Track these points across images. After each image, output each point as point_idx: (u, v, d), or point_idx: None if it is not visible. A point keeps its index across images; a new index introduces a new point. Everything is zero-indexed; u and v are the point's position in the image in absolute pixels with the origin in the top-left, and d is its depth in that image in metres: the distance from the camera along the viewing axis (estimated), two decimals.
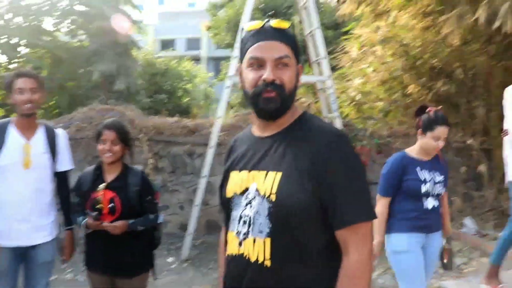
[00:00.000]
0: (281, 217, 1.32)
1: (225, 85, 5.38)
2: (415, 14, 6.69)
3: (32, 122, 2.73)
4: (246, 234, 1.38)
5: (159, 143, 6.14)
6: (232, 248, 1.43)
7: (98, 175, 2.64)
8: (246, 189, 1.40)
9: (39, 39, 11.62)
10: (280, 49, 1.36)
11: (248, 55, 1.38)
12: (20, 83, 2.62)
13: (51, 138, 2.78)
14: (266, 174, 1.36)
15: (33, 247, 2.73)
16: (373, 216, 1.35)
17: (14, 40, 11.64)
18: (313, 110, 7.15)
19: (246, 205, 1.39)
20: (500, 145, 5.73)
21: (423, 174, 2.74)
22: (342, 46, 7.90)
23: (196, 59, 24.80)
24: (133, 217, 2.58)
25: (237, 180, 1.44)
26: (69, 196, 2.89)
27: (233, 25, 14.76)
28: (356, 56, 7.50)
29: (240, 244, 1.39)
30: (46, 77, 11.73)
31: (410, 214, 2.74)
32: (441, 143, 2.73)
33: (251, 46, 1.38)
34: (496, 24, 4.88)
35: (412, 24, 6.76)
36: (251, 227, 1.36)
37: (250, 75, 1.37)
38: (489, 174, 6.02)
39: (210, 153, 5.24)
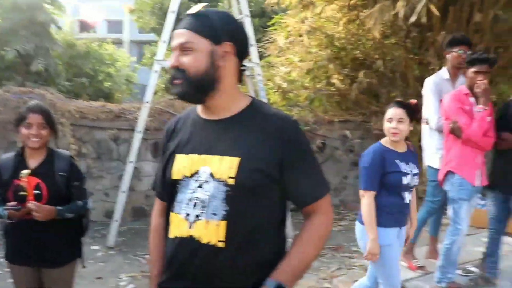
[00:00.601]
0: (239, 201, 1.36)
1: (153, 70, 5.28)
2: (340, 7, 6.94)
3: None
4: (198, 216, 1.39)
5: (83, 128, 5.92)
6: (179, 231, 1.43)
7: (20, 162, 2.50)
8: (196, 172, 1.41)
9: None
10: (183, 36, 1.40)
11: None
12: None
13: None
14: (221, 159, 1.38)
15: None
16: (329, 188, 1.52)
17: None
18: None
19: (198, 187, 1.40)
20: (415, 133, 6.14)
21: (403, 166, 2.73)
22: (270, 35, 8.02)
23: (118, 42, 23.97)
24: (61, 204, 2.47)
25: (185, 162, 1.44)
26: None
27: (158, 9, 14.42)
28: (283, 45, 7.64)
29: (190, 226, 1.40)
30: None
31: (393, 208, 2.75)
32: (400, 126, 2.73)
33: None
34: (412, 19, 5.19)
35: (338, 16, 7.01)
36: (204, 210, 1.38)
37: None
38: None
39: (137, 138, 5.14)
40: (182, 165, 1.44)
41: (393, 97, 6.80)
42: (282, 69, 7.66)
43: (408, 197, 2.77)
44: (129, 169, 5.13)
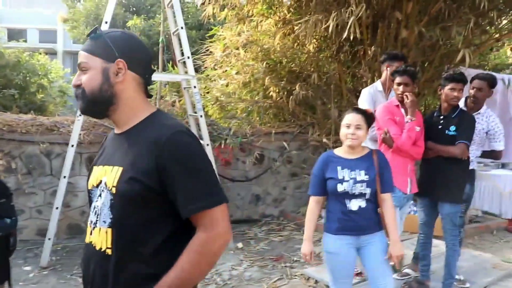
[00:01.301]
0: (119, 209, 1.45)
1: None
2: (276, 21, 7.11)
3: None
4: (95, 224, 1.51)
5: (11, 142, 5.64)
6: (87, 237, 1.56)
7: None
8: (100, 182, 1.52)
9: None
10: (81, 57, 1.52)
11: None
12: None
13: None
14: (112, 169, 1.49)
15: None
16: (219, 201, 1.45)
17: None
18: (178, 108, 7.19)
19: (98, 196, 1.52)
20: None
21: (343, 173, 2.73)
22: (207, 48, 8.05)
23: (52, 53, 23.10)
24: None
25: (95, 173, 1.57)
26: None
27: (93, 19, 14.10)
28: (220, 58, 7.70)
29: (91, 233, 1.53)
30: None
31: (336, 215, 2.77)
32: (358, 132, 2.76)
33: None
34: (344, 35, 5.40)
35: (273, 30, 7.16)
36: (98, 217, 1.50)
37: None
38: None
39: (71, 152, 4.97)
40: (93, 176, 1.58)
41: (329, 108, 7.03)
42: (220, 82, 7.70)
43: (357, 204, 2.74)
44: (62, 184, 4.94)
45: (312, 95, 6.86)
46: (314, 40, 6.71)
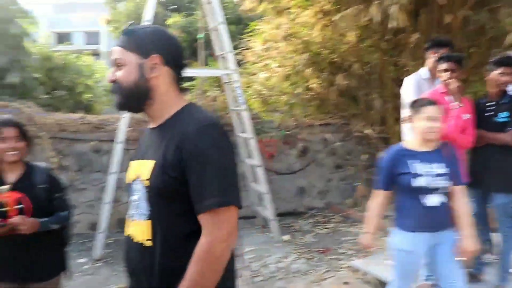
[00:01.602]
0: (153, 201, 1.50)
1: None
2: (314, 12, 7.02)
3: None
4: (133, 217, 1.57)
5: (63, 140, 5.86)
6: (126, 230, 1.62)
7: None
8: (137, 176, 1.56)
9: None
10: (116, 53, 1.55)
11: None
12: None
13: None
14: (146, 163, 1.52)
15: None
16: (228, 203, 1.41)
17: None
18: (220, 103, 7.24)
19: (136, 190, 1.56)
20: (395, 133, 6.23)
21: (419, 167, 2.61)
22: (246, 42, 8.06)
23: (96, 54, 23.79)
24: (44, 218, 2.46)
25: (132, 168, 1.62)
26: None
27: (134, 19, 14.38)
28: (260, 51, 7.69)
29: (129, 226, 1.59)
30: None
31: (412, 212, 2.65)
32: (439, 124, 2.64)
33: None
34: (392, 24, 5.27)
35: (312, 22, 7.08)
36: (137, 211, 1.55)
37: None
38: None
39: (118, 148, 5.11)
40: (130, 171, 1.62)
41: (372, 99, 6.90)
42: (261, 75, 7.70)
43: (434, 200, 2.61)
44: (111, 180, 5.09)
45: (354, 85, 6.76)
46: (355, 30, 6.59)
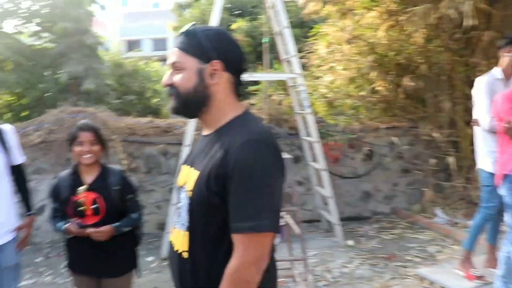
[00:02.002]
0: (194, 213, 1.43)
1: None
2: (380, 13, 6.88)
3: None
4: (175, 225, 1.54)
5: (133, 143, 6.12)
6: (171, 236, 1.59)
7: (75, 179, 2.64)
8: (184, 184, 1.51)
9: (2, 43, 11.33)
10: (174, 55, 1.47)
11: None
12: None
13: (0, 134, 2.78)
14: (193, 172, 1.46)
15: None
16: (261, 228, 1.32)
17: None
18: (285, 106, 7.26)
19: (181, 198, 1.51)
20: (466, 137, 5.97)
21: None
22: (310, 45, 8.03)
23: (164, 60, 24.59)
24: (116, 217, 2.58)
25: (182, 174, 1.57)
26: (27, 186, 2.95)
27: (200, 25, 14.76)
28: (324, 54, 7.63)
29: (172, 232, 1.57)
30: (12, 80, 11.43)
31: None
32: None
33: None
34: (467, 22, 5.06)
35: (377, 23, 6.94)
36: (178, 219, 1.51)
37: None
38: (458, 165, 6.25)
39: (185, 151, 5.26)
40: (180, 175, 1.58)
41: (440, 101, 6.65)
42: (326, 78, 7.64)
43: None
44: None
45: (422, 87, 6.55)
46: (422, 30, 6.38)
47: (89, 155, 2.59)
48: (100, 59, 12.95)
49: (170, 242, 1.57)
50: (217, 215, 1.38)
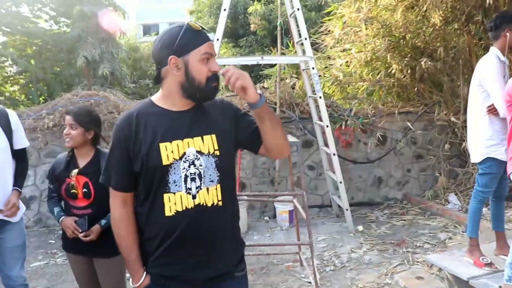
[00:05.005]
0: (224, 166, 1.76)
1: None
2: None
3: None
4: (199, 187, 1.71)
5: None
6: (183, 205, 1.70)
7: (69, 161, 2.69)
8: (184, 154, 1.70)
9: (21, 27, 11.43)
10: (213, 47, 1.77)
11: (203, 50, 1.68)
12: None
13: (3, 118, 2.83)
14: (203, 138, 1.73)
15: (0, 231, 2.81)
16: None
17: None
18: (298, 90, 7.19)
19: (189, 166, 1.70)
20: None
21: None
22: (326, 27, 7.89)
23: None
24: (107, 199, 2.60)
25: (172, 148, 1.70)
26: (27, 169, 3.03)
27: (216, 9, 14.64)
28: (338, 36, 7.49)
29: (194, 197, 1.70)
30: (32, 65, 11.56)
31: None
32: None
33: (201, 43, 1.69)
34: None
35: (394, 4, 6.77)
36: (202, 180, 1.71)
37: (203, 67, 1.69)
38: None
39: None
40: (169, 151, 1.70)
41: (457, 85, 6.51)
42: (339, 61, 7.51)
43: None
44: None
45: (438, 71, 6.40)
46: (440, 12, 6.20)
47: (67, 139, 2.64)
48: (116, 43, 12.99)
49: (196, 206, 1.70)
50: (234, 161, 1.88)
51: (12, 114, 2.90)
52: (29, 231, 3.09)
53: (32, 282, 3.00)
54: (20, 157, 2.95)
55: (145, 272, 1.80)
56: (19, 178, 2.93)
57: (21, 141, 2.95)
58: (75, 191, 2.61)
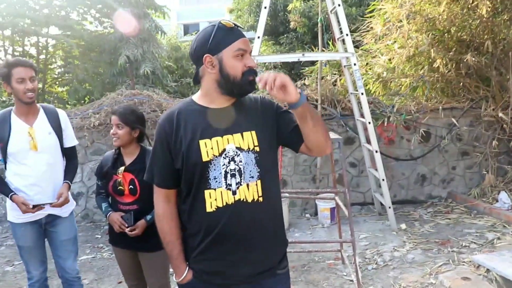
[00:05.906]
0: (265, 162, 1.77)
1: None
2: None
3: (32, 107, 2.89)
4: (239, 183, 1.72)
5: None
6: (223, 201, 1.72)
7: (116, 158, 2.78)
8: (224, 150, 1.72)
9: (69, 29, 11.83)
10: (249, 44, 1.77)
11: (237, 46, 1.70)
12: (20, 72, 2.74)
13: (54, 118, 2.94)
14: (242, 134, 1.74)
15: (53, 225, 2.94)
16: None
17: (43, 30, 11.85)
18: (339, 87, 7.10)
19: (229, 162, 1.72)
20: None
21: None
22: (367, 23, 7.76)
23: None
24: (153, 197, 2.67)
25: (212, 145, 1.73)
26: (76, 166, 3.14)
27: (255, 7, 14.67)
28: (380, 32, 7.35)
29: (234, 193, 1.72)
30: (79, 66, 11.95)
31: None
32: None
33: (234, 40, 1.71)
34: None
35: None
36: (242, 176, 1.72)
37: (238, 63, 1.71)
38: None
39: None
40: (209, 147, 1.72)
41: (507, 79, 6.27)
42: (382, 58, 7.37)
43: None
44: None
45: (486, 65, 6.19)
46: (488, 3, 5.98)
47: (114, 138, 2.72)
48: (157, 42, 13.21)
49: (236, 202, 1.72)
50: (276, 157, 1.88)
51: (62, 114, 3.02)
52: (77, 226, 3.19)
53: (81, 275, 3.11)
54: (69, 155, 3.07)
55: (187, 268, 1.83)
56: (69, 173, 3.05)
57: (70, 139, 3.07)
58: (122, 187, 2.70)
